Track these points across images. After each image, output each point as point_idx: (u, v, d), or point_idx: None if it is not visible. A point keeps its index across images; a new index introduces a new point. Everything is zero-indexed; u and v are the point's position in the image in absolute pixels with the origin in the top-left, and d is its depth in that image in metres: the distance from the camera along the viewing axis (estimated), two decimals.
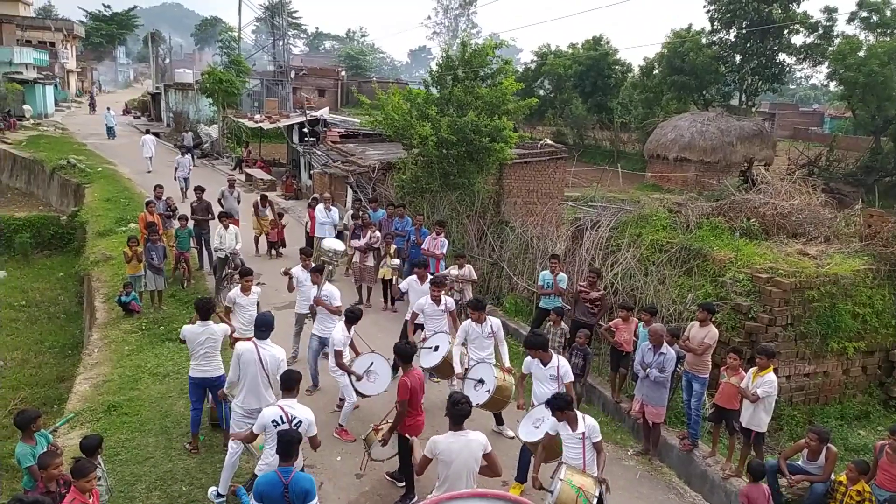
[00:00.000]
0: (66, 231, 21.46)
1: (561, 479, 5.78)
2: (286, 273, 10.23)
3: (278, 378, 6.36)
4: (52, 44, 52.25)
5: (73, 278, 18.00)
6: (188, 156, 22.49)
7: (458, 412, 5.51)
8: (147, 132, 28.84)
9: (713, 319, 8.54)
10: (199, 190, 14.73)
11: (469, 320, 8.21)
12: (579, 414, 6.20)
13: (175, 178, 20.79)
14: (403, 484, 7.08)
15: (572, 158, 25.29)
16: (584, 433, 6.08)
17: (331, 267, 9.73)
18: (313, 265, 9.82)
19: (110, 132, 33.59)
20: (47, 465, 5.54)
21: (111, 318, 11.97)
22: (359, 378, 7.96)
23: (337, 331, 8.17)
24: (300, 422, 5.78)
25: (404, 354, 6.80)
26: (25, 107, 37.62)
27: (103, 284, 13.67)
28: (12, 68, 37.67)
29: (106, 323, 11.77)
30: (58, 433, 8.04)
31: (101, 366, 10.04)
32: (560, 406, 6.08)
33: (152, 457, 7.52)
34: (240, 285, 8.98)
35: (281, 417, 5.78)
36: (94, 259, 15.31)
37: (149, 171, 25.04)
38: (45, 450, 5.87)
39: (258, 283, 9.74)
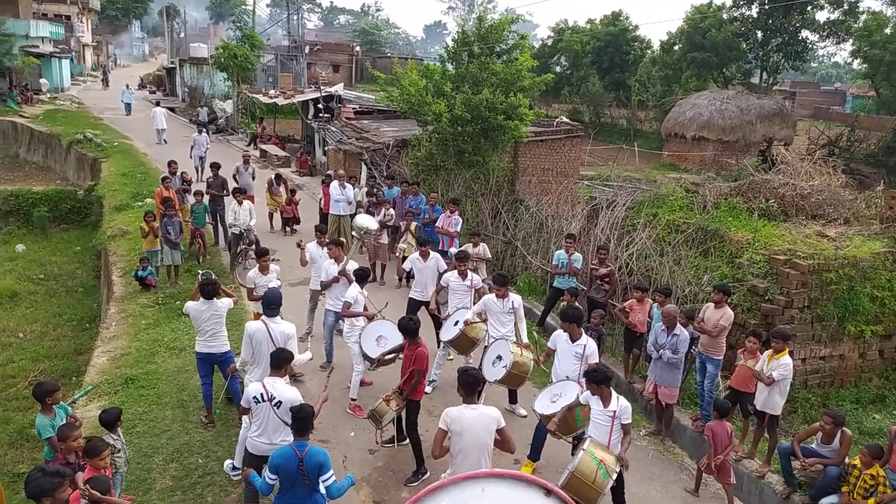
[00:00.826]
0: (82, 205, 21.69)
1: (583, 450, 5.81)
2: (300, 246, 10.26)
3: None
4: (68, 17, 52.20)
5: (90, 252, 18.19)
6: (205, 134, 21.27)
7: (465, 380, 5.48)
8: (157, 104, 29.39)
9: (729, 301, 8.48)
10: (215, 166, 14.76)
11: (492, 294, 8.20)
12: (614, 393, 6.20)
13: (191, 157, 20.12)
14: (407, 442, 7.16)
15: (588, 136, 25.04)
16: (615, 412, 6.09)
17: (362, 243, 9.74)
18: (336, 239, 9.77)
19: (128, 108, 33.30)
20: (66, 436, 5.63)
21: (128, 292, 12.10)
22: (371, 318, 8.07)
23: (352, 289, 8.28)
24: (279, 402, 5.69)
25: (409, 330, 6.87)
26: (42, 81, 37.73)
27: (120, 259, 13.80)
28: (29, 42, 37.69)
29: (123, 297, 11.90)
30: (76, 405, 8.17)
31: (118, 339, 10.16)
32: (598, 379, 6.10)
33: (169, 429, 7.64)
34: (257, 266, 9.00)
35: (261, 395, 5.75)
36: (111, 233, 15.44)
37: (157, 143, 25.48)
38: (65, 422, 5.97)
39: (274, 260, 9.77)
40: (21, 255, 19.05)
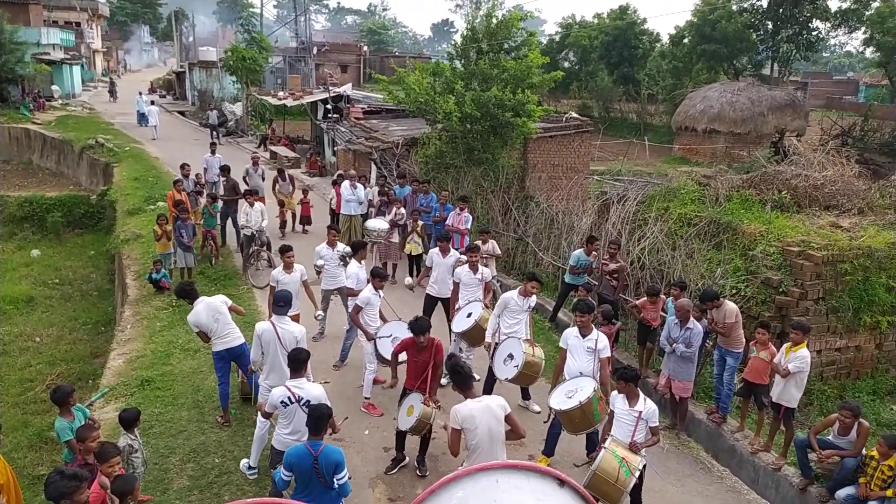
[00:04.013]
0: (96, 210, 21.88)
1: (605, 448, 5.83)
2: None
3: None
4: (78, 24, 52.76)
5: (104, 256, 18.35)
6: (218, 155, 17.35)
7: (458, 379, 5.54)
8: (152, 103, 31.39)
9: (728, 296, 8.43)
10: (226, 170, 14.82)
11: (515, 291, 8.15)
12: (642, 394, 6.19)
13: (204, 180, 16.87)
14: (407, 461, 7.26)
15: (598, 132, 24.92)
16: (640, 412, 6.05)
17: (375, 244, 9.70)
18: (360, 242, 9.72)
19: (142, 119, 30.47)
20: (85, 438, 5.70)
21: (142, 295, 12.19)
22: (370, 338, 8.07)
23: (365, 290, 8.29)
24: (308, 401, 5.77)
25: (420, 329, 6.86)
26: (54, 87, 38.08)
27: (134, 262, 13.91)
28: (40, 49, 38.01)
29: (137, 300, 11.99)
30: (94, 407, 8.25)
31: (133, 342, 10.25)
32: (627, 377, 6.07)
33: (185, 430, 7.70)
34: (282, 264, 8.86)
35: (289, 398, 5.85)
36: (125, 237, 15.56)
37: (153, 139, 27.43)
38: (83, 424, 6.03)
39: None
40: (36, 260, 19.23)
